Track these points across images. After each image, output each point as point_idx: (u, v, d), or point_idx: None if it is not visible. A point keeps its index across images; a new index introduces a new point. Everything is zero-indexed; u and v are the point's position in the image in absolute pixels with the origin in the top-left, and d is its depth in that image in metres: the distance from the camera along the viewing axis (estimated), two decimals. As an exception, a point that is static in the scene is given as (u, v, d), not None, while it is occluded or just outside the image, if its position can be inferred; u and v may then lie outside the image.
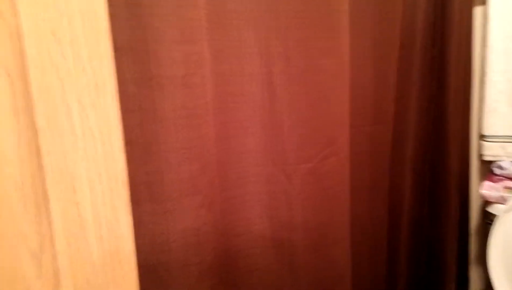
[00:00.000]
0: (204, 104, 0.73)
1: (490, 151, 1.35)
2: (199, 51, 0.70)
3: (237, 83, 0.80)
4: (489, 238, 1.21)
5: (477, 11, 1.32)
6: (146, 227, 0.68)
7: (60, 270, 0.44)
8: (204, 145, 0.73)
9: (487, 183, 1.32)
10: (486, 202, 1.35)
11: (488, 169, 1.40)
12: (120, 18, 0.62)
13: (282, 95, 0.84)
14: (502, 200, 1.28)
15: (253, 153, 0.84)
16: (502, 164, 1.33)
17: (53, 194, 0.43)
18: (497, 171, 1.34)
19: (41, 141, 0.42)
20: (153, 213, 0.69)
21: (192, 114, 0.70)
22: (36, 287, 0.43)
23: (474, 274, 1.48)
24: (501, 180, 1.32)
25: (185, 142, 0.69)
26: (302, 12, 0.82)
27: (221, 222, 0.80)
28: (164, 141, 0.68)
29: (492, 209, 1.31)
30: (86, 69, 0.45)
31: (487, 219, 1.40)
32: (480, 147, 1.38)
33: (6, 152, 0.40)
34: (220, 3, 0.75)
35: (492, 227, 1.21)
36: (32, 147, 0.42)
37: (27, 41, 0.40)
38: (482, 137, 1.37)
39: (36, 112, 0.41)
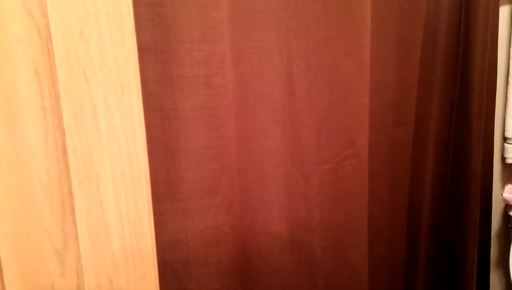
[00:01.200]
0: (226, 105, 0.73)
1: (514, 154, 1.33)
2: (221, 51, 0.70)
3: (258, 83, 0.80)
4: (511, 243, 1.18)
5: (503, 10, 1.29)
6: (165, 225, 0.69)
7: (83, 268, 0.44)
8: (224, 145, 0.73)
9: (509, 187, 1.30)
10: (509, 206, 1.33)
11: (510, 172, 1.37)
12: (144, 18, 0.62)
13: (302, 95, 0.83)
14: (525, 205, 1.25)
15: (273, 154, 0.84)
16: (526, 167, 1.30)
17: (78, 193, 0.43)
18: (520, 174, 1.31)
19: (68, 139, 0.43)
20: (172, 212, 0.69)
21: (213, 114, 0.70)
22: (59, 284, 0.44)
23: (494, 279, 1.45)
24: (524, 184, 1.29)
25: (206, 141, 0.70)
26: (323, 12, 0.82)
27: (240, 222, 0.80)
28: (185, 140, 0.68)
29: (514, 213, 1.28)
30: (112, 68, 0.46)
31: (509, 223, 1.37)
32: (503, 150, 1.36)
33: (33, 150, 0.41)
34: (242, 3, 0.75)
35: (514, 232, 1.18)
36: (59, 145, 0.42)
37: (55, 40, 0.41)
38: (505, 139, 1.34)
39: (63, 110, 0.42)
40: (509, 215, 1.31)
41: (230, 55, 0.74)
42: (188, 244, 0.71)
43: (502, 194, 1.29)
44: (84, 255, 0.45)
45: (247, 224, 0.82)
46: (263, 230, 0.84)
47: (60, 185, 0.43)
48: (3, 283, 0.41)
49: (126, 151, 0.48)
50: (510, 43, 1.28)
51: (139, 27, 0.63)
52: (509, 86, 1.30)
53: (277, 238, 0.86)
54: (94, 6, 0.43)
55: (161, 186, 0.68)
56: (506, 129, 1.33)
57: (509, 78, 1.30)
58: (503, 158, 1.37)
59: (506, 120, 1.32)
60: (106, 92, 0.45)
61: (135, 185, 0.49)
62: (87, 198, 0.44)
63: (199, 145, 0.69)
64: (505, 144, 1.34)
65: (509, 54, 1.30)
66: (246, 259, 0.82)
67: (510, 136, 1.32)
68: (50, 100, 0.41)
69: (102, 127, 0.45)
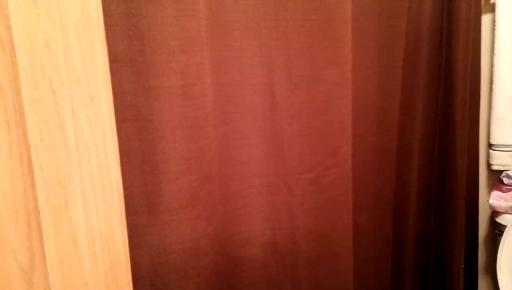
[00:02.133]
0: (205, 115, 0.72)
1: (499, 160, 1.33)
2: (199, 61, 0.69)
3: (238, 93, 0.79)
4: (498, 249, 1.19)
5: (486, 18, 1.30)
6: (143, 238, 0.67)
7: (51, 288, 0.43)
8: (204, 156, 0.72)
9: (495, 193, 1.30)
10: (495, 212, 1.33)
11: (496, 179, 1.38)
12: (118, 28, 0.61)
13: (283, 105, 0.83)
14: (511, 210, 1.26)
15: (255, 163, 0.83)
16: (511, 173, 1.31)
17: (45, 209, 0.42)
18: (505, 180, 1.32)
19: (33, 154, 0.41)
20: (150, 225, 0.68)
21: (191, 124, 0.69)
22: (27, 304, 0.42)
23: (482, 286, 1.45)
24: (510, 189, 1.29)
25: (184, 152, 0.69)
26: (303, 22, 0.82)
27: (221, 234, 0.78)
28: (162, 151, 0.67)
29: (501, 219, 1.28)
30: (81, 80, 0.44)
31: (496, 230, 1.38)
32: (488, 156, 1.36)
33: (-4, 166, 0.39)
34: (220, 12, 0.75)
35: (501, 237, 1.18)
36: (24, 160, 0.41)
37: (19, 53, 0.39)
38: (490, 146, 1.35)
39: (28, 125, 0.41)
40: (496, 222, 1.31)
41: (209, 65, 0.74)
42: (167, 257, 0.69)
43: (488, 201, 1.30)
44: (52, 273, 0.43)
45: (228, 236, 0.81)
46: (246, 241, 0.83)
47: (25, 201, 0.41)
48: (-36, 305, 0.40)
49: (97, 164, 0.46)
50: (493, 50, 1.29)
51: (114, 37, 0.62)
52: (493, 93, 1.31)
53: (260, 248, 0.85)
54: (61, 17, 0.42)
55: (138, 198, 0.67)
56: (491, 135, 1.34)
57: (493, 85, 1.31)
58: (488, 165, 1.38)
59: (491, 126, 1.33)
60: (75, 104, 0.44)
61: (107, 199, 0.48)
62: (55, 214, 0.43)
63: (177, 156, 0.68)
64: (490, 150, 1.35)
65: (492, 61, 1.31)
66: (228, 271, 0.81)
67: (495, 143, 1.33)
68: (15, 114, 0.40)
69: (70, 141, 0.44)
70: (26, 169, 0.41)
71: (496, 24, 1.27)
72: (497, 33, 1.27)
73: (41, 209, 0.42)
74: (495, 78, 1.29)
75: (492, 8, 1.29)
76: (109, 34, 0.64)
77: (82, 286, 0.45)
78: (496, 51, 1.28)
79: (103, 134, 0.47)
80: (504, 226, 1.21)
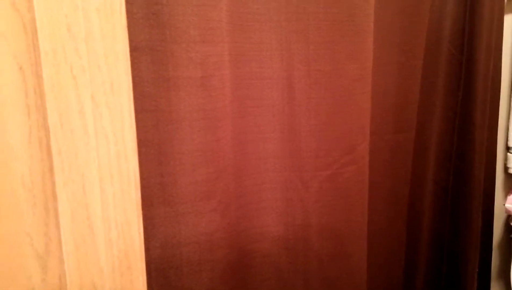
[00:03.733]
0: (222, 107, 0.71)
1: (517, 164, 1.31)
2: (219, 52, 0.68)
3: (257, 86, 0.78)
4: (513, 255, 1.16)
5: (508, 18, 1.27)
6: (158, 230, 0.67)
7: (66, 274, 0.42)
8: (220, 148, 0.71)
9: (512, 197, 1.28)
10: (511, 217, 1.31)
11: (513, 183, 1.35)
12: (139, 17, 0.61)
13: (301, 99, 0.82)
14: (528, 216, 1.23)
15: (270, 158, 0.82)
16: (529, 178, 1.28)
17: (62, 195, 0.42)
18: (523, 185, 1.29)
19: (53, 139, 0.41)
20: (165, 216, 0.67)
21: (209, 116, 0.68)
22: (41, 290, 0.42)
23: (495, 291, 1.43)
24: (527, 194, 1.27)
25: (201, 144, 0.68)
26: (325, 15, 0.80)
27: (235, 228, 0.78)
28: (180, 143, 0.66)
29: (517, 224, 1.26)
30: (101, 66, 0.44)
31: (511, 234, 1.35)
32: (505, 159, 1.34)
33: (16, 150, 0.39)
34: (242, 4, 0.74)
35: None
36: (43, 145, 0.40)
37: (41, 36, 0.39)
38: (508, 149, 1.32)
39: (48, 109, 0.40)
40: (511, 226, 1.29)
41: (229, 57, 0.73)
42: (181, 249, 0.69)
43: (504, 204, 1.28)
44: (68, 260, 0.43)
45: (242, 230, 0.80)
46: (259, 236, 0.83)
47: (43, 186, 0.41)
48: (-20, 288, 0.39)
49: (115, 152, 0.46)
50: (514, 51, 1.26)
51: (134, 26, 0.61)
52: (512, 95, 1.28)
53: (273, 244, 0.84)
54: (84, 2, 0.42)
55: (154, 189, 0.66)
56: (509, 138, 1.31)
57: (513, 87, 1.28)
58: (505, 168, 1.35)
59: (510, 129, 1.31)
60: (95, 91, 0.43)
61: (124, 188, 0.47)
62: (72, 200, 0.43)
63: (194, 148, 0.67)
64: (508, 153, 1.32)
65: (513, 62, 1.28)
66: (241, 266, 0.80)
67: (513, 146, 1.30)
68: (35, 98, 0.40)
69: (89, 127, 0.43)
70: (45, 153, 0.41)
71: (520, 24, 1.24)
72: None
73: (59, 195, 0.42)
74: (516, 80, 1.27)
75: (516, 9, 1.26)
76: (130, 22, 0.63)
77: (97, 273, 0.45)
78: (519, 52, 1.25)
79: (122, 122, 0.46)
80: (521, 231, 1.19)
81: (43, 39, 0.39)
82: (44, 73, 0.40)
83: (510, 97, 1.32)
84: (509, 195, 1.30)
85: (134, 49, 0.62)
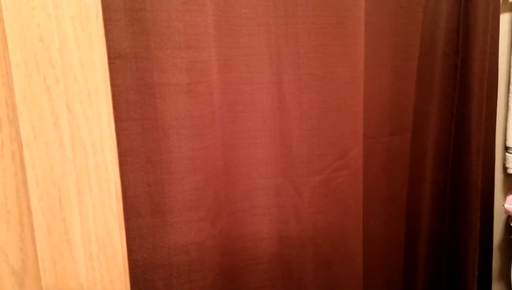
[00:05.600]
0: (211, 113, 0.70)
1: (515, 164, 1.29)
2: (205, 58, 0.67)
3: (246, 91, 0.77)
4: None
5: (504, 17, 1.26)
6: (146, 240, 0.66)
7: (43, 290, 0.41)
8: (209, 156, 0.70)
9: (511, 197, 1.26)
10: (510, 217, 1.29)
11: (512, 183, 1.34)
12: (122, 24, 0.60)
13: (292, 104, 0.81)
14: (528, 216, 1.22)
15: (262, 164, 0.81)
16: (528, 178, 1.27)
17: (37, 209, 0.41)
18: (522, 185, 1.28)
19: (26, 152, 0.40)
20: (154, 226, 0.66)
21: (197, 123, 0.67)
22: (19, 307, 0.41)
23: (497, 293, 1.41)
24: (526, 194, 1.25)
25: (189, 152, 0.67)
26: (314, 18, 0.79)
27: (227, 236, 0.76)
28: (167, 151, 0.65)
29: (517, 225, 1.24)
30: (77, 76, 0.43)
31: (511, 235, 1.34)
32: (504, 160, 1.32)
33: (-13, 164, 0.38)
34: (229, 8, 0.73)
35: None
36: (16, 158, 0.39)
37: (12, 46, 0.38)
38: (506, 149, 1.31)
39: (20, 121, 0.39)
40: (511, 227, 1.27)
41: (216, 62, 0.71)
42: (171, 260, 0.67)
43: (503, 205, 1.26)
44: (45, 276, 0.42)
45: (234, 238, 0.78)
46: (251, 244, 0.81)
47: (17, 201, 0.40)
48: (-47, 307, 0.38)
49: (94, 163, 0.45)
50: (511, 51, 1.25)
51: (118, 33, 0.60)
52: (510, 95, 1.27)
53: (266, 252, 0.82)
54: (57, 10, 0.41)
55: (142, 199, 0.65)
56: (507, 138, 1.30)
57: (510, 86, 1.27)
58: (504, 168, 1.34)
59: (508, 129, 1.29)
60: (71, 101, 0.42)
61: (104, 200, 0.46)
62: (48, 215, 0.41)
63: (181, 156, 0.66)
64: (507, 153, 1.31)
65: (510, 62, 1.27)
66: (233, 275, 0.79)
67: (511, 146, 1.29)
68: (7, 110, 0.39)
69: (65, 139, 0.42)
70: (19, 167, 0.40)
71: (515, 23, 1.23)
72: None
73: (34, 209, 0.41)
74: (513, 79, 1.26)
75: (511, 8, 1.25)
76: (113, 29, 0.62)
77: (77, 288, 0.44)
78: (515, 51, 1.24)
79: (101, 132, 0.45)
80: (521, 232, 1.17)
81: (13, 49, 0.38)
82: (16, 84, 0.38)
83: (508, 97, 1.30)
84: (509, 196, 1.28)
85: (118, 57, 0.60)
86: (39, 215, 0.40)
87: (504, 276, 1.40)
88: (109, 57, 0.57)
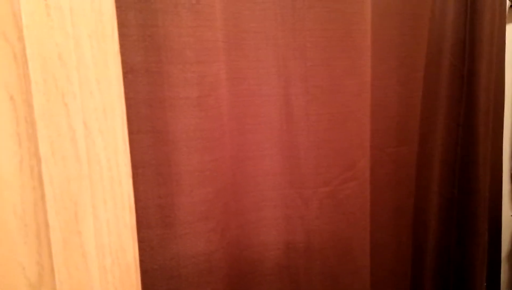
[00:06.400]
0: (220, 126, 0.71)
1: (523, 174, 1.29)
2: (215, 72, 0.68)
3: (254, 104, 0.78)
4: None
5: (510, 28, 1.27)
6: (156, 251, 0.66)
7: (59, 303, 0.42)
8: (218, 168, 0.71)
9: (519, 209, 1.26)
10: (519, 229, 1.29)
11: (520, 193, 1.33)
12: (135, 39, 0.61)
13: (300, 116, 0.81)
14: (536, 228, 1.21)
15: (270, 176, 0.81)
16: (536, 188, 1.26)
17: (54, 223, 0.41)
18: (530, 195, 1.27)
19: (44, 167, 0.41)
20: (163, 238, 0.67)
21: (206, 136, 0.68)
22: (35, 319, 0.42)
23: (505, 304, 1.40)
24: (534, 205, 1.25)
25: (199, 165, 0.68)
26: (321, 32, 0.80)
27: (235, 248, 0.77)
28: (177, 163, 0.66)
29: (525, 236, 1.24)
30: (94, 92, 0.44)
31: (520, 246, 1.33)
32: (511, 170, 1.32)
33: (7, 179, 0.39)
34: (238, 22, 0.74)
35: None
36: (35, 174, 0.40)
37: (32, 65, 0.39)
38: (514, 159, 1.31)
39: (39, 137, 0.40)
40: (519, 238, 1.27)
41: (225, 75, 0.73)
42: (180, 271, 0.68)
43: (511, 215, 1.26)
44: (61, 288, 0.43)
45: (242, 250, 0.79)
46: (260, 255, 0.82)
47: (35, 215, 0.41)
48: (-28, 320, 0.39)
49: (109, 178, 0.46)
50: (517, 61, 1.25)
51: (130, 48, 0.62)
52: (516, 105, 1.27)
53: (274, 264, 0.83)
54: (75, 29, 0.42)
55: (152, 211, 0.66)
56: (514, 148, 1.30)
57: (516, 96, 1.27)
58: (512, 178, 1.34)
59: (514, 139, 1.29)
60: (87, 117, 0.43)
61: (118, 213, 0.47)
62: (64, 229, 0.42)
63: (191, 169, 0.67)
64: (514, 164, 1.31)
65: (516, 72, 1.27)
66: (241, 286, 0.79)
67: (518, 156, 1.29)
68: (26, 127, 0.40)
69: (81, 154, 0.43)
70: (37, 182, 0.40)
71: (521, 34, 1.23)
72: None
73: (51, 223, 0.41)
74: (519, 90, 1.26)
75: (517, 18, 1.26)
76: (125, 45, 0.63)
77: (91, 301, 0.45)
78: (521, 62, 1.24)
79: (115, 147, 0.46)
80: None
81: (33, 68, 0.39)
82: (35, 101, 0.40)
83: (514, 106, 1.30)
84: (516, 206, 1.28)
85: (130, 71, 0.62)
86: (56, 228, 0.41)
87: (512, 287, 1.39)
88: (121, 72, 0.58)
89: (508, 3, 1.24)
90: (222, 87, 0.71)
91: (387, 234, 1.03)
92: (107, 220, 0.45)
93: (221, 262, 0.72)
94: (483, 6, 1.11)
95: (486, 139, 1.17)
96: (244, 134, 0.78)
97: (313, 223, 0.84)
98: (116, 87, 0.46)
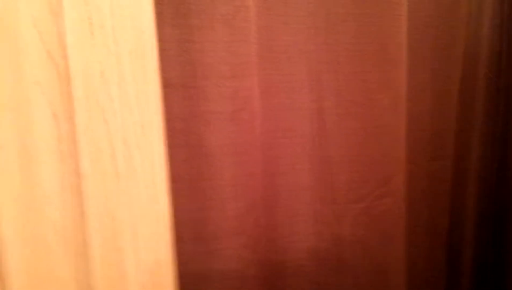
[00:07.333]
0: (252, 140, 0.70)
1: None
2: (249, 86, 0.68)
3: (287, 118, 0.77)
4: None
5: (548, 40, 1.23)
6: (189, 266, 0.66)
7: (97, 321, 0.42)
8: (250, 183, 0.70)
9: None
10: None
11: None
12: (171, 54, 0.62)
13: (333, 130, 0.80)
14: None
15: (301, 191, 0.80)
16: None
17: (94, 240, 0.41)
18: None
19: (84, 184, 0.41)
20: (196, 252, 0.66)
21: (239, 151, 0.68)
22: (72, 336, 0.42)
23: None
24: None
25: (231, 179, 0.67)
26: (355, 46, 0.79)
27: (266, 264, 0.76)
28: (210, 178, 0.66)
29: None
30: (133, 109, 0.44)
31: (561, 267, 1.27)
32: (552, 187, 1.27)
33: (48, 196, 0.39)
34: (271, 36, 0.74)
35: None
36: (75, 190, 0.40)
37: (75, 83, 0.40)
38: (553, 175, 1.25)
39: (80, 154, 0.40)
40: (561, 258, 1.20)
41: (258, 89, 0.72)
42: (213, 286, 0.67)
43: (552, 235, 1.20)
44: (98, 306, 0.42)
45: (273, 265, 0.78)
46: (290, 271, 0.80)
47: (75, 232, 0.41)
48: (12, 336, 0.39)
49: (146, 194, 0.45)
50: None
51: (167, 63, 0.62)
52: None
53: (306, 280, 0.81)
54: (117, 46, 0.42)
55: (185, 225, 0.66)
56: (554, 164, 1.24)
57: (556, 109, 1.22)
58: (552, 195, 1.28)
59: (554, 154, 1.24)
60: (126, 133, 0.43)
61: (156, 229, 0.47)
62: (103, 245, 0.42)
63: (224, 183, 0.66)
64: (554, 180, 1.25)
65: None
66: (273, 303, 0.78)
67: (559, 172, 1.24)
68: (68, 144, 0.40)
69: (120, 171, 0.43)
70: (77, 199, 0.41)
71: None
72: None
73: (90, 240, 0.41)
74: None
75: (556, 29, 1.21)
76: (162, 59, 0.64)
77: (128, 319, 0.44)
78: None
79: (153, 163, 0.46)
80: None
81: (76, 85, 0.40)
82: (77, 118, 0.40)
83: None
84: (557, 225, 1.22)
85: (166, 86, 0.62)
86: (95, 245, 0.41)
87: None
88: (157, 87, 0.58)
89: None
90: (255, 101, 0.71)
91: (422, 250, 0.99)
92: (144, 236, 0.45)
93: (253, 278, 0.71)
94: (520, 17, 1.08)
95: (525, 154, 1.13)
96: (276, 147, 0.77)
97: (346, 240, 0.82)
98: (154, 102, 0.46)
